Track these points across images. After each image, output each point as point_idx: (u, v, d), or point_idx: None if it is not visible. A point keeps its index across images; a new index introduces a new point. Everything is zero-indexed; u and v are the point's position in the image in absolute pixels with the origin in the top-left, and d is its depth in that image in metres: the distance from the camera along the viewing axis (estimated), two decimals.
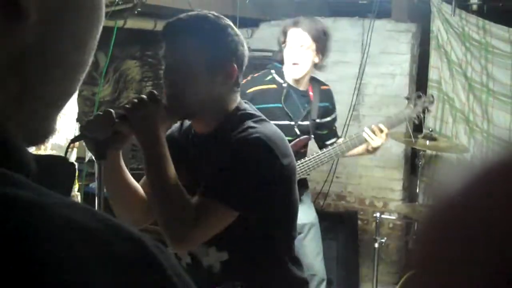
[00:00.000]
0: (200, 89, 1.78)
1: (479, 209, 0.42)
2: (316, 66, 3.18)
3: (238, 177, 1.74)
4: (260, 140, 1.74)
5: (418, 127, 4.62)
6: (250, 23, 5.04)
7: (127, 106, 1.74)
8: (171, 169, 1.73)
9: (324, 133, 3.32)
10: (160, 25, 4.16)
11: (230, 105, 1.84)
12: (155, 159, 1.72)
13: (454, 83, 4.62)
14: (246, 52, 1.86)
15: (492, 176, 0.43)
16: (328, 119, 3.32)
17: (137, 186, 1.92)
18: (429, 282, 0.43)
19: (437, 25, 4.63)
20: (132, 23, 3.93)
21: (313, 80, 3.26)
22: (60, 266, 0.46)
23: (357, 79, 4.76)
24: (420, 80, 4.80)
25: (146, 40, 4.41)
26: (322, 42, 3.12)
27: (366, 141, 3.15)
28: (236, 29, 1.83)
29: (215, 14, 1.81)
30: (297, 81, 3.17)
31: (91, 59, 0.68)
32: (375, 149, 3.18)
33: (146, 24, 4.16)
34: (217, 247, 1.85)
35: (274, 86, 3.15)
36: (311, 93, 3.22)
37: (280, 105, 3.14)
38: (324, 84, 3.32)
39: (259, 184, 1.75)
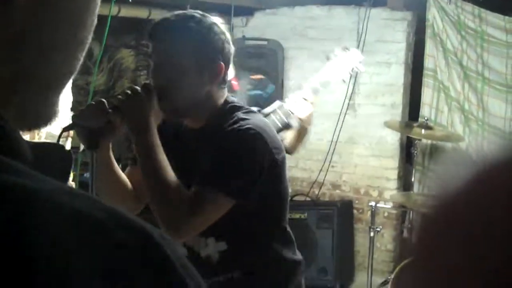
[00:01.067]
0: (188, 89, 1.81)
1: (481, 207, 0.41)
2: None
3: (232, 165, 1.77)
4: (254, 130, 1.77)
5: (414, 116, 4.63)
6: (245, 11, 5.02)
7: (120, 96, 1.74)
8: (164, 159, 1.74)
9: None
10: (154, 14, 4.15)
11: (219, 100, 1.88)
12: (148, 149, 1.73)
13: (449, 72, 4.62)
14: (232, 49, 1.89)
15: (495, 173, 0.43)
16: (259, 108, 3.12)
17: (124, 177, 1.94)
18: (428, 277, 0.43)
19: (432, 14, 4.61)
20: (126, 12, 3.91)
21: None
22: (60, 254, 0.45)
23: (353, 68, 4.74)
24: (415, 69, 4.79)
25: (141, 29, 4.39)
26: None
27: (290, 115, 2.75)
28: (222, 27, 1.86)
29: (201, 13, 1.84)
30: None
31: (90, 36, 0.66)
32: (306, 123, 2.75)
33: (141, 13, 4.14)
34: (216, 238, 1.87)
35: None
36: (234, 82, 3.14)
37: None
38: (256, 74, 3.23)
39: (252, 173, 1.78)
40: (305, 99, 2.74)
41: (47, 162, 0.59)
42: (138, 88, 1.76)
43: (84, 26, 0.63)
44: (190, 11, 1.85)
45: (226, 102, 1.88)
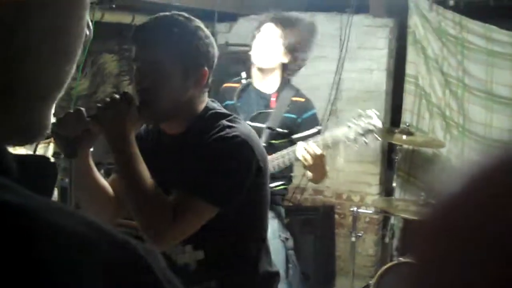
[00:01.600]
0: (172, 93, 1.79)
1: (482, 209, 0.42)
2: (286, 68, 3.02)
3: (219, 173, 1.76)
4: (241, 138, 1.77)
5: (395, 122, 4.67)
6: (228, 17, 5.03)
7: (99, 105, 1.74)
8: (143, 168, 1.73)
9: (282, 142, 3.00)
10: (138, 19, 4.15)
11: (200, 105, 1.87)
12: (125, 158, 1.72)
13: (430, 78, 4.66)
14: (216, 53, 1.88)
15: (495, 176, 0.43)
16: (287, 131, 3.00)
17: (105, 183, 1.93)
18: (432, 281, 0.44)
19: (414, 20, 4.65)
20: (110, 17, 3.90)
21: (286, 88, 3.05)
22: (46, 272, 0.46)
23: (336, 74, 4.78)
24: (397, 75, 4.83)
25: (124, 34, 4.38)
26: (293, 41, 2.97)
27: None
28: (206, 30, 1.84)
29: (186, 15, 1.82)
30: (262, 77, 3.02)
31: (80, 47, 0.65)
32: (313, 169, 2.80)
33: (124, 18, 4.13)
34: (194, 246, 1.87)
35: (238, 84, 3.10)
36: (273, 99, 3.02)
37: (233, 102, 3.05)
38: (300, 96, 3.06)
39: (239, 181, 1.78)
40: (314, 152, 2.73)
41: (32, 175, 0.60)
42: (117, 96, 1.74)
43: (70, 37, 0.63)
44: (174, 14, 1.82)
45: (208, 108, 1.87)
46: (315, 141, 2.78)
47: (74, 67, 0.67)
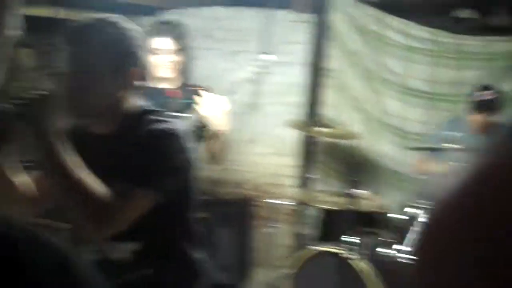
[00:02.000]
0: (102, 93, 1.84)
1: (480, 210, 0.42)
2: (184, 71, 3.25)
3: (154, 164, 1.79)
4: (171, 129, 1.83)
5: (314, 115, 4.72)
6: (152, 11, 5.00)
7: (20, 102, 1.68)
8: (75, 163, 1.71)
9: None
10: (57, 12, 4.08)
11: (131, 105, 1.91)
12: (55, 158, 1.68)
13: (349, 72, 4.74)
14: (147, 55, 1.96)
15: (493, 177, 0.43)
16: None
17: (27, 180, 1.89)
18: (438, 279, 0.44)
19: (335, 16, 4.72)
20: (28, 10, 3.83)
21: (185, 85, 3.25)
22: None
23: (257, 68, 4.80)
24: (317, 69, 4.88)
25: (41, 27, 4.30)
26: (185, 46, 3.24)
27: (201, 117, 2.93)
28: (137, 31, 1.90)
29: (116, 16, 1.88)
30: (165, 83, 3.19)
31: None
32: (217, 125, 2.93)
33: (41, 11, 4.07)
34: (126, 237, 1.87)
35: None
36: (175, 91, 3.21)
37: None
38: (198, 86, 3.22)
39: (174, 170, 1.83)
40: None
41: None
42: (38, 94, 1.70)
43: None
44: (107, 16, 1.87)
45: (139, 107, 1.91)
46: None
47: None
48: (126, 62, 1.84)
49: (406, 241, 3.44)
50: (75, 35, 1.84)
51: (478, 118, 3.94)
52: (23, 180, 1.87)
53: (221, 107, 2.92)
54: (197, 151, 3.10)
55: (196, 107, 2.94)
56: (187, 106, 3.13)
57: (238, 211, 4.32)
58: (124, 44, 1.84)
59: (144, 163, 1.78)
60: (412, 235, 3.43)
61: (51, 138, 1.68)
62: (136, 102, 1.92)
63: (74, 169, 1.69)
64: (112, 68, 1.82)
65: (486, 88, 3.98)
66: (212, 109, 2.91)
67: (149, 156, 1.80)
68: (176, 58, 3.17)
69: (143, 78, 1.90)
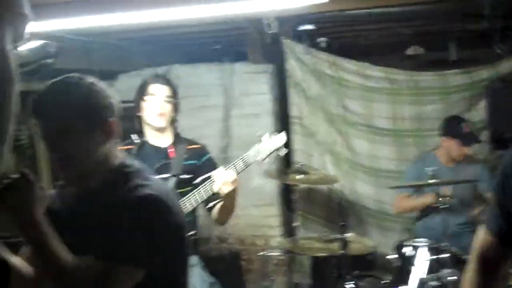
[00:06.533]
0: (85, 153, 1.77)
1: None
2: (175, 121, 3.26)
3: (138, 235, 1.70)
4: (155, 197, 1.74)
5: (287, 163, 4.76)
6: (108, 75, 4.95)
7: None
8: (57, 245, 1.65)
9: (187, 189, 3.08)
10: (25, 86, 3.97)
11: (114, 159, 1.84)
12: (38, 239, 1.63)
13: (314, 117, 4.83)
14: (119, 102, 1.86)
15: None
16: (192, 175, 3.13)
17: (20, 262, 1.81)
18: None
19: (291, 64, 4.83)
20: None
21: (179, 140, 3.24)
22: None
23: (223, 122, 4.83)
24: (283, 118, 4.95)
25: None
26: (177, 98, 3.26)
27: (215, 191, 2.95)
28: (101, 83, 1.82)
29: (76, 75, 1.80)
30: (158, 135, 3.19)
31: (13, 121, 0.61)
32: (228, 196, 2.96)
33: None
34: None
35: (132, 146, 3.15)
36: (170, 150, 3.18)
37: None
38: (194, 144, 3.27)
39: (160, 238, 1.74)
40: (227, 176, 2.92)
41: None
42: (17, 175, 1.62)
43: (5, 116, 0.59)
44: (65, 77, 1.79)
45: (122, 164, 1.84)
46: (227, 169, 2.98)
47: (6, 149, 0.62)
48: (100, 116, 1.77)
49: (410, 281, 3.44)
50: (40, 105, 1.76)
51: (463, 150, 4.03)
52: (16, 261, 1.78)
53: (234, 182, 2.93)
54: (198, 213, 3.12)
55: (211, 184, 2.95)
56: (189, 167, 3.14)
57: (226, 267, 4.26)
58: (92, 100, 1.76)
59: (124, 232, 1.70)
60: (414, 275, 3.45)
61: (35, 223, 1.62)
62: (120, 156, 1.87)
63: (58, 250, 1.65)
64: (87, 126, 1.75)
65: (461, 120, 4.11)
66: (227, 186, 2.92)
67: (129, 224, 1.70)
68: (170, 105, 3.18)
69: (119, 129, 1.83)
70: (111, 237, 1.69)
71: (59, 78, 1.80)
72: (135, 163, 1.90)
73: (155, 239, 1.73)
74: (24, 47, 2.73)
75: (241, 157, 3.06)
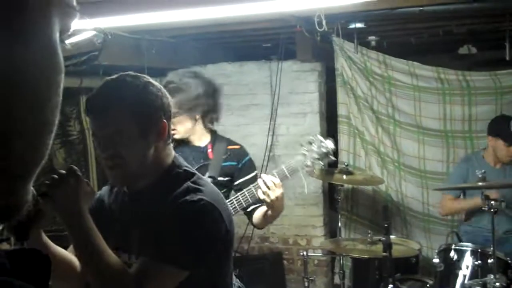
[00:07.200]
0: (137, 153, 1.77)
1: None
2: (204, 120, 3.05)
3: (187, 238, 1.72)
4: (207, 202, 1.74)
5: (333, 163, 4.73)
6: (158, 72, 5.01)
7: (47, 182, 1.66)
8: (100, 241, 1.68)
9: (224, 192, 2.89)
10: (85, 82, 4.06)
11: (166, 159, 1.84)
12: (82, 235, 1.67)
13: (362, 117, 4.78)
14: (171, 102, 1.85)
15: None
16: (230, 178, 3.03)
17: (66, 254, 1.85)
18: None
19: (340, 63, 4.78)
20: None
21: (217, 138, 3.11)
22: None
23: (270, 121, 4.83)
24: (330, 117, 4.93)
25: (71, 97, 4.27)
26: (199, 98, 3.00)
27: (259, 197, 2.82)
28: (156, 83, 1.82)
29: (132, 74, 1.80)
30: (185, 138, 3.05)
31: (57, 118, 0.62)
32: (274, 203, 2.79)
33: (72, 82, 4.05)
34: None
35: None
36: (209, 150, 3.06)
37: None
38: (234, 144, 3.13)
39: (208, 245, 1.76)
40: (274, 183, 2.76)
41: (27, 270, 0.56)
42: (63, 172, 1.68)
43: (46, 108, 0.60)
44: (121, 76, 1.78)
45: (174, 164, 1.85)
46: (273, 174, 2.83)
47: (52, 139, 0.63)
48: (153, 116, 1.77)
49: (454, 286, 3.38)
50: (95, 103, 1.77)
51: (510, 150, 3.90)
52: (64, 257, 1.83)
53: (279, 188, 2.77)
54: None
55: (257, 189, 2.82)
56: (228, 169, 3.05)
57: (268, 267, 4.27)
58: (147, 100, 1.76)
59: (173, 234, 1.72)
60: (459, 280, 3.39)
61: (80, 218, 1.66)
62: (171, 156, 1.86)
63: (100, 247, 1.67)
64: (140, 126, 1.75)
65: (509, 119, 3.96)
66: (273, 192, 2.76)
67: (180, 227, 1.72)
68: (178, 118, 2.95)
69: (170, 128, 1.83)
70: (159, 238, 1.72)
71: (114, 76, 1.80)
72: (185, 164, 1.90)
73: (203, 244, 1.75)
74: (71, 40, 2.80)
75: (286, 166, 2.91)
